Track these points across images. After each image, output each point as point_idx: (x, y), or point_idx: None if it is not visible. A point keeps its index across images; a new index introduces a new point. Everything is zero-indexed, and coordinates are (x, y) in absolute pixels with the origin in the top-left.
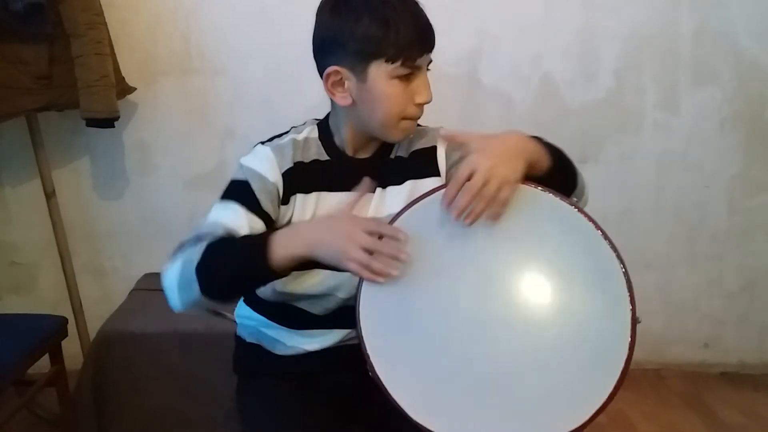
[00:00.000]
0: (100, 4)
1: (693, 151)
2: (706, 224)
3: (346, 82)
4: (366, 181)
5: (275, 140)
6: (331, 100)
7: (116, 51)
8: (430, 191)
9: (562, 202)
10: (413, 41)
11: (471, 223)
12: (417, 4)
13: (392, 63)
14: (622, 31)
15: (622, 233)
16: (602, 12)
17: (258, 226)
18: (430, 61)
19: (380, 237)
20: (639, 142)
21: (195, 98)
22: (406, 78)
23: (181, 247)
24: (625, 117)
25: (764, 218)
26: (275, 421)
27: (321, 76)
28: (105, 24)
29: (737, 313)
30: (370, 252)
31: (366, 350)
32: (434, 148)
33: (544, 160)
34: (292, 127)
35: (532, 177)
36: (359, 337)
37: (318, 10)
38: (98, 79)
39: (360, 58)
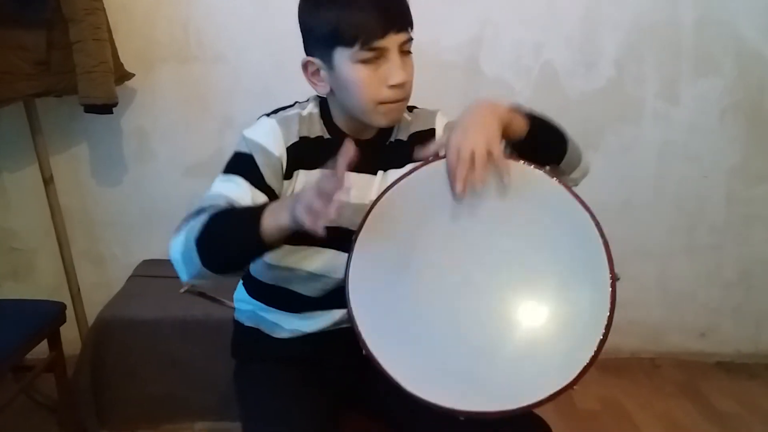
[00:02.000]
0: None
1: (693, 142)
2: (705, 214)
3: (321, 72)
4: (347, 145)
5: (280, 112)
6: None
7: (115, 37)
8: (411, 169)
9: (535, 170)
10: (370, 23)
11: (482, 187)
12: None
13: (350, 47)
14: (623, 21)
15: (621, 223)
16: (603, 1)
17: (261, 200)
18: (410, 40)
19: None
20: (639, 131)
21: (194, 85)
22: (373, 61)
23: (185, 221)
24: (625, 107)
25: (763, 209)
26: (274, 405)
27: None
28: (104, 9)
29: (734, 303)
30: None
31: (357, 327)
32: (432, 131)
33: (519, 121)
34: (296, 102)
35: (512, 142)
36: (349, 314)
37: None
38: (97, 65)
39: (324, 46)
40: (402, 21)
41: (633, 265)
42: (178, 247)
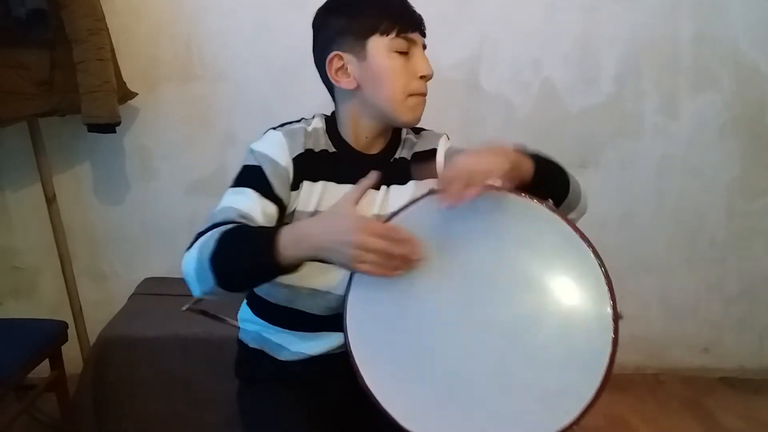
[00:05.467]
0: (102, 10)
1: (692, 156)
2: (705, 229)
3: (348, 66)
4: (372, 174)
5: (287, 126)
6: (333, 98)
7: (118, 56)
8: (416, 198)
9: (541, 207)
10: (404, 14)
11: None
12: None
13: (387, 35)
14: (622, 37)
15: (621, 237)
16: (602, 17)
17: (271, 210)
18: (425, 47)
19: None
20: (639, 146)
21: (196, 104)
22: (405, 53)
23: (198, 236)
24: (625, 122)
25: (763, 223)
26: (277, 426)
27: (322, 73)
28: (107, 29)
29: (737, 317)
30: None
31: (354, 360)
32: (433, 151)
33: (526, 164)
34: (302, 118)
35: (518, 185)
36: (347, 346)
37: (314, 19)
38: (100, 85)
39: (357, 38)
40: (423, 25)
41: (634, 279)
42: (191, 263)
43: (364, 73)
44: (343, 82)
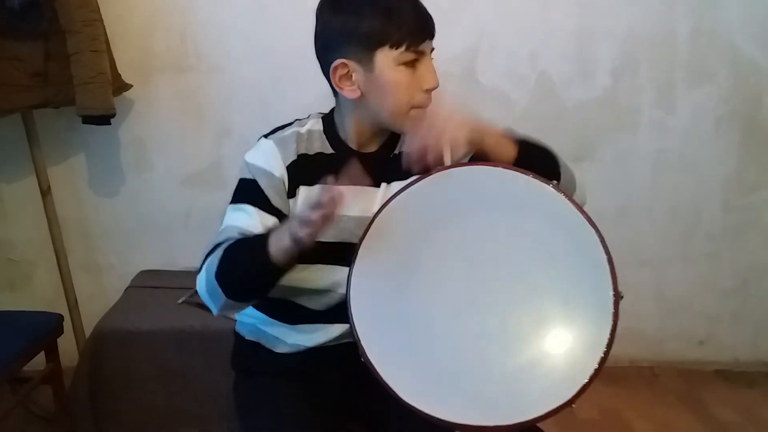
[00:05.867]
0: (96, 1)
1: (689, 150)
2: (701, 222)
3: (354, 75)
4: (354, 164)
5: (278, 132)
6: (336, 96)
7: (112, 48)
8: (412, 181)
9: (542, 184)
10: (416, 26)
11: (442, 161)
12: None
13: (397, 48)
14: (619, 31)
15: (617, 231)
16: (599, 11)
17: (270, 223)
18: (433, 49)
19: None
20: (635, 140)
21: (191, 96)
22: (412, 65)
23: (205, 257)
24: (621, 116)
25: (759, 216)
26: (274, 418)
27: (325, 73)
28: (101, 21)
29: (732, 310)
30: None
31: (357, 336)
32: None
33: (506, 147)
34: (296, 120)
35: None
36: (351, 324)
37: (318, 9)
38: (94, 76)
39: (366, 48)
40: (434, 28)
41: (629, 273)
42: (202, 284)
43: (370, 84)
44: (346, 90)
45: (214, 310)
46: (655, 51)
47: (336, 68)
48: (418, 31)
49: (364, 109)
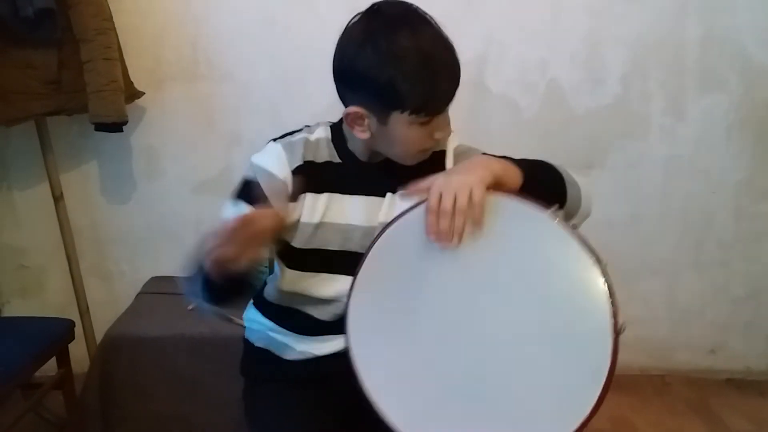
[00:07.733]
0: (110, 10)
1: (699, 157)
2: (712, 230)
3: (367, 120)
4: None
5: (287, 137)
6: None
7: (125, 56)
8: (410, 208)
9: (537, 212)
10: (439, 97)
11: (459, 242)
12: (449, 50)
13: (417, 116)
14: (629, 37)
15: (628, 239)
16: (608, 18)
17: None
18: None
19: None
20: (645, 148)
21: (202, 103)
22: (428, 122)
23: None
24: (631, 123)
25: None
26: (283, 425)
27: (341, 100)
28: (114, 29)
29: (743, 319)
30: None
31: (356, 367)
32: (443, 153)
33: (513, 173)
34: (305, 126)
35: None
36: (349, 355)
37: (343, 35)
38: (107, 84)
39: (382, 106)
40: (455, 94)
41: (640, 281)
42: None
43: (381, 133)
44: (357, 131)
45: (208, 312)
46: (665, 58)
47: (351, 113)
48: (441, 101)
49: (372, 141)
